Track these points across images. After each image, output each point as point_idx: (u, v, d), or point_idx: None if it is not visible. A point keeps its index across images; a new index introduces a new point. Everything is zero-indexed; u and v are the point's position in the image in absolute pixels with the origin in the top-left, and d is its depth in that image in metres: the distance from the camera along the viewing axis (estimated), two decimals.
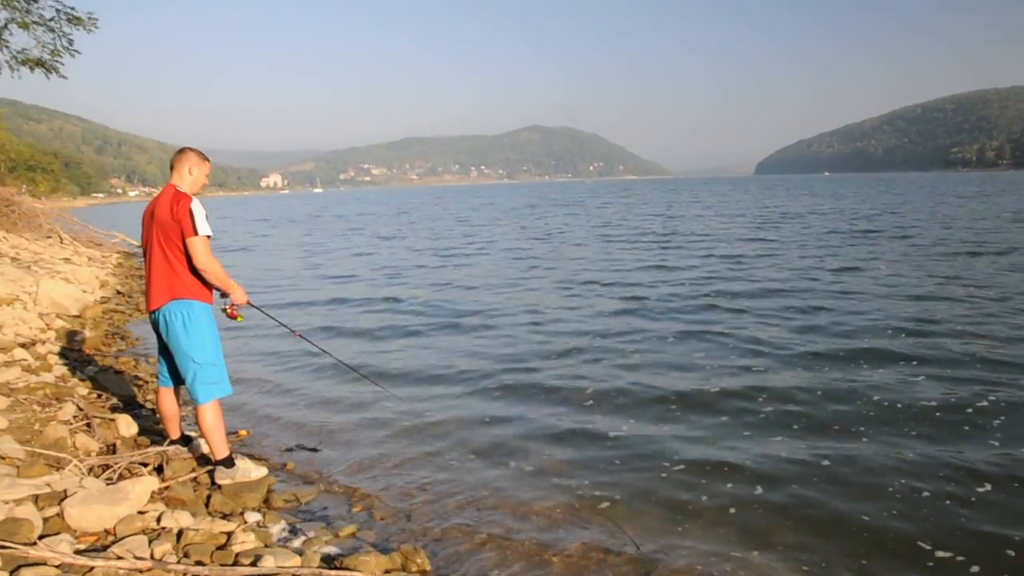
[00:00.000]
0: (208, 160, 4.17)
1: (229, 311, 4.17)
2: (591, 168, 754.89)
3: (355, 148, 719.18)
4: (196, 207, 3.83)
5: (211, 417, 3.98)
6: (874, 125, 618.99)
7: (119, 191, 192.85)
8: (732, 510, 3.78)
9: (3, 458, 3.85)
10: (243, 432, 5.19)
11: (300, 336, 5.44)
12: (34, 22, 15.92)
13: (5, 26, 15.89)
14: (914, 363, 6.27)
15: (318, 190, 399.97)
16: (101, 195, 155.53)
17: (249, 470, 4.10)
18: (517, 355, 7.16)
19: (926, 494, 3.85)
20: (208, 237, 3.87)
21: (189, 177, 4.04)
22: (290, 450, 4.89)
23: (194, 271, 3.90)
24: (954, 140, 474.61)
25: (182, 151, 4.10)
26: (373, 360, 7.21)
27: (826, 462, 4.30)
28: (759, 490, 3.99)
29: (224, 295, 4.14)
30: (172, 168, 4.06)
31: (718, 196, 57.77)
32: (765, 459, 4.39)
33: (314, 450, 4.88)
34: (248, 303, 4.23)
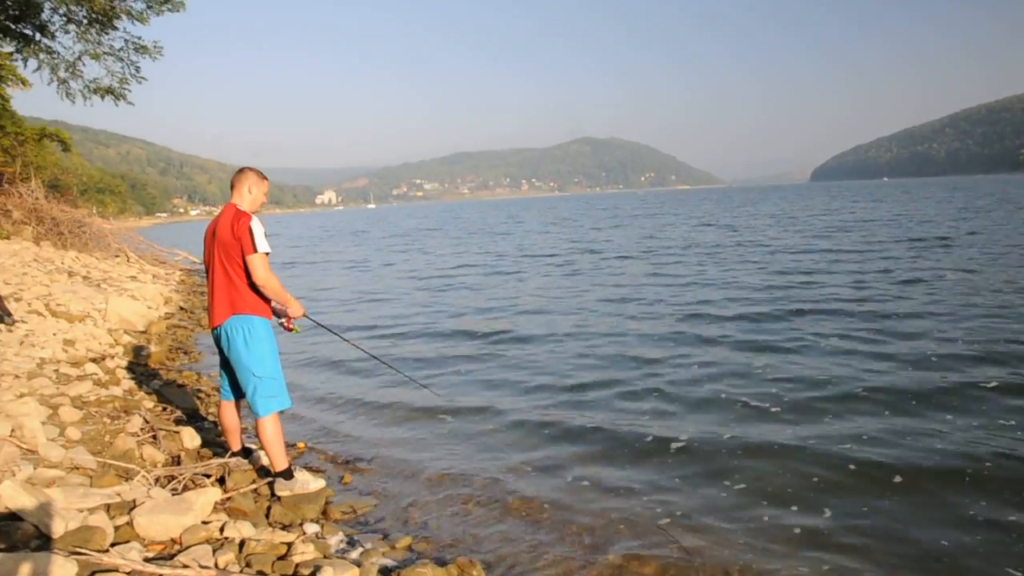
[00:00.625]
0: (266, 179, 4.26)
1: (285, 323, 4.27)
2: (642, 179, 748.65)
3: (407, 164, 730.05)
4: (255, 225, 3.93)
5: (271, 430, 4.05)
6: (935, 128, 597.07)
7: (181, 211, 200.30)
8: None
9: (78, 468, 4.02)
10: (301, 445, 5.29)
11: (355, 346, 5.56)
12: (105, 53, 16.77)
13: (79, 58, 16.78)
14: (1003, 396, 5.56)
15: (371, 206, 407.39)
16: (164, 215, 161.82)
17: (307, 482, 4.17)
18: (565, 384, 6.73)
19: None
20: (267, 254, 3.96)
21: (248, 196, 4.15)
22: (347, 463, 4.97)
23: (254, 287, 3.99)
24: None
25: (241, 171, 4.21)
26: (421, 381, 6.94)
27: (907, 525, 3.75)
28: (840, 558, 3.47)
29: (281, 314, 4.24)
30: (232, 188, 4.17)
31: (773, 204, 56.32)
32: (848, 526, 3.80)
33: (370, 463, 4.95)
34: (305, 315, 4.33)
